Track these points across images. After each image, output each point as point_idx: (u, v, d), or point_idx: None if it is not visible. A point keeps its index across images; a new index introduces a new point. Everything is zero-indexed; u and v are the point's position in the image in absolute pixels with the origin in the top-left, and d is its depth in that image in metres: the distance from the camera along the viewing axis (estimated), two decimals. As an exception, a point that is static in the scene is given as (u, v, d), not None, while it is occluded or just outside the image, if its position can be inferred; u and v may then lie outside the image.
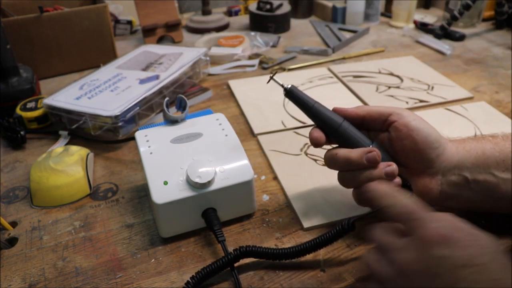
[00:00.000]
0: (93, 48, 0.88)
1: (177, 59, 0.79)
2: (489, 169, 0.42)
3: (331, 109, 0.46)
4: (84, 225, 0.50)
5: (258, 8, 1.08)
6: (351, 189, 0.45)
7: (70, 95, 0.67)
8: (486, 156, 0.42)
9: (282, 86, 0.45)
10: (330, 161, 0.45)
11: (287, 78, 0.83)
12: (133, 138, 0.52)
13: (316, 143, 0.45)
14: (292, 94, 0.45)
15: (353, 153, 0.42)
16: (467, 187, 0.43)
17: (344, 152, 0.43)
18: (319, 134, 0.45)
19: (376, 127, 0.46)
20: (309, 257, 0.43)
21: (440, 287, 0.30)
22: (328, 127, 0.45)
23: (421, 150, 0.42)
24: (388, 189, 0.38)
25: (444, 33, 1.02)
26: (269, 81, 0.45)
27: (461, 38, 1.01)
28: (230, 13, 1.28)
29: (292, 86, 0.45)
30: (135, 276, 0.43)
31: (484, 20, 1.14)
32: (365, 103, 0.74)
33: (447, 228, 0.32)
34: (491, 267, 0.30)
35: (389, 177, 0.42)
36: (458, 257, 0.30)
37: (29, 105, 0.68)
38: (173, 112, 0.53)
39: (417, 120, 0.43)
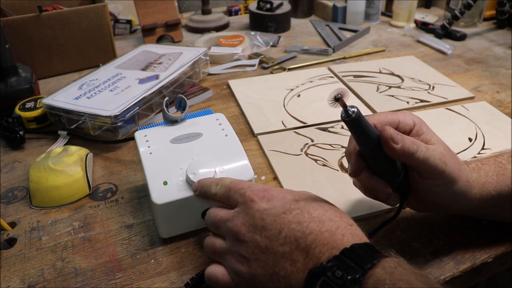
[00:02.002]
0: (93, 48, 0.88)
1: (177, 58, 0.79)
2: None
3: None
4: (84, 225, 0.49)
5: (258, 7, 1.08)
6: (350, 190, 0.44)
7: (69, 95, 0.67)
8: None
9: (347, 110, 0.33)
10: (364, 189, 0.42)
11: (287, 78, 0.83)
12: (132, 138, 0.52)
13: (356, 175, 0.40)
14: (355, 124, 0.34)
15: (381, 189, 0.40)
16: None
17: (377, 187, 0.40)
18: (362, 165, 0.39)
19: None
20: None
21: (269, 236, 0.34)
22: (390, 174, 0.39)
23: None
24: (207, 180, 0.43)
25: (445, 33, 1.02)
26: (334, 103, 0.33)
27: (462, 37, 1.01)
28: (230, 12, 1.28)
29: (358, 111, 0.34)
30: (135, 276, 0.43)
31: (485, 19, 1.14)
32: (365, 103, 0.74)
33: (262, 188, 0.38)
34: (308, 208, 0.34)
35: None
36: (277, 207, 0.35)
37: (28, 105, 0.68)
38: (172, 112, 0.53)
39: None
